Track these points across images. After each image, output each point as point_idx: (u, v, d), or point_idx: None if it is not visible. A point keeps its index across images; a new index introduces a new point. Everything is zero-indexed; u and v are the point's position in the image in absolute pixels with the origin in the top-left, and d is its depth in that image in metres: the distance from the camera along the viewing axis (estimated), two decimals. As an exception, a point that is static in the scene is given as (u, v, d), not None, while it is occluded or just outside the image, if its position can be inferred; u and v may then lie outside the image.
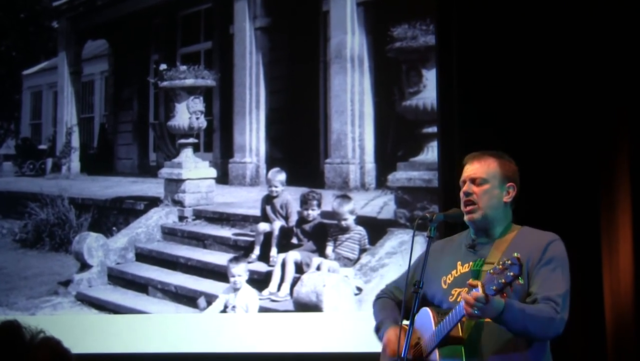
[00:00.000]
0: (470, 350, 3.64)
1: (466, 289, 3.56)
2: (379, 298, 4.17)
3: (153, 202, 7.34)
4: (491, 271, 3.43)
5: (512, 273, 3.36)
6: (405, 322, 3.82)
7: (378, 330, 4.01)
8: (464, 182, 3.86)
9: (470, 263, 3.81)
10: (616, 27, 5.75)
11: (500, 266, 3.40)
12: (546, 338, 3.72)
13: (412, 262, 4.08)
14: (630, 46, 5.72)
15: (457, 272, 3.84)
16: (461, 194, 3.85)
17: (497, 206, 3.83)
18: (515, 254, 3.42)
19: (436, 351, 3.67)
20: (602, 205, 5.78)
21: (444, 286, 3.83)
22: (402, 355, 3.56)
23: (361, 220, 6.62)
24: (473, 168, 3.85)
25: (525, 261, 3.63)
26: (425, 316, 3.74)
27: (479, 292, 3.39)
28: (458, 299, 3.68)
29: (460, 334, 3.61)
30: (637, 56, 5.72)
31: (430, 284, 3.86)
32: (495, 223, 3.83)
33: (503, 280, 3.38)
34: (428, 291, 3.86)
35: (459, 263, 3.85)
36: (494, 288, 3.39)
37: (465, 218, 3.84)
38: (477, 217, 3.80)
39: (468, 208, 3.81)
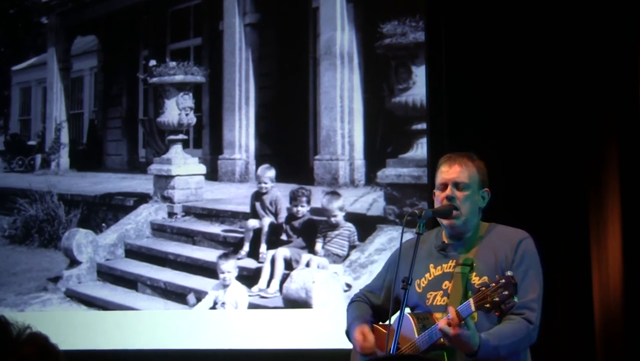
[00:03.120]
0: (452, 355, 3.66)
1: (445, 314, 3.60)
2: (352, 301, 4.17)
3: (142, 198, 7.33)
4: (483, 288, 3.44)
5: (507, 292, 3.38)
6: (385, 322, 3.86)
7: (348, 332, 4.03)
8: (445, 185, 3.84)
9: (443, 266, 3.83)
10: (604, 27, 5.76)
11: (494, 284, 3.41)
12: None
13: (385, 264, 4.13)
14: (620, 45, 5.73)
15: (430, 275, 3.86)
16: (441, 196, 3.83)
17: (475, 211, 3.86)
18: (509, 273, 3.43)
19: None
20: (590, 202, 5.79)
21: (419, 290, 3.86)
22: (391, 353, 3.58)
23: (350, 217, 6.62)
24: (455, 172, 3.83)
25: (499, 262, 3.67)
26: (407, 322, 3.75)
27: (451, 327, 3.47)
28: (435, 303, 3.78)
29: (443, 340, 3.63)
30: (627, 55, 5.72)
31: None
32: (471, 228, 3.85)
33: (497, 298, 3.39)
34: (401, 293, 3.84)
35: (432, 265, 3.87)
36: (487, 305, 3.41)
37: (445, 222, 3.83)
38: (459, 223, 3.81)
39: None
